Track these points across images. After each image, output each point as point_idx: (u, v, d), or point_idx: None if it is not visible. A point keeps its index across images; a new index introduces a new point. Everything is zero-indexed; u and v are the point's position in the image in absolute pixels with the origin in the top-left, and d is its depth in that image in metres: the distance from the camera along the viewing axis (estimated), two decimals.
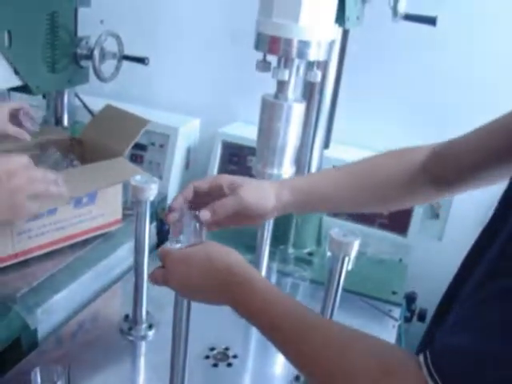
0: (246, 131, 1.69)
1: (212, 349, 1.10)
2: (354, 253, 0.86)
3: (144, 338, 1.12)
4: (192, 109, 1.81)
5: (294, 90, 1.05)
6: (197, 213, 0.82)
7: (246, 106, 1.78)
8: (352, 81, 1.43)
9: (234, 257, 0.75)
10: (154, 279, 0.79)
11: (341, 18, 1.12)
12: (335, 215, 1.60)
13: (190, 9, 1.76)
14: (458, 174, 0.88)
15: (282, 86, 1.04)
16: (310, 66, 1.05)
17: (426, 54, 1.58)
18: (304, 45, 0.98)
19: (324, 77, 1.23)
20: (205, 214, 0.83)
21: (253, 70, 1.07)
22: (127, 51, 1.51)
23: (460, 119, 1.60)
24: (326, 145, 1.42)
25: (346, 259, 0.86)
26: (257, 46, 1.02)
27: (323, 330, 0.67)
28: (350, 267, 0.88)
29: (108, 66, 1.48)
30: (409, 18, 1.27)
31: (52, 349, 1.07)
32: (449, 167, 0.88)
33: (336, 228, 0.89)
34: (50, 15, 1.29)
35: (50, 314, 1.12)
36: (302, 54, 0.99)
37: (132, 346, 1.11)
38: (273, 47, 0.99)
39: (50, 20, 1.29)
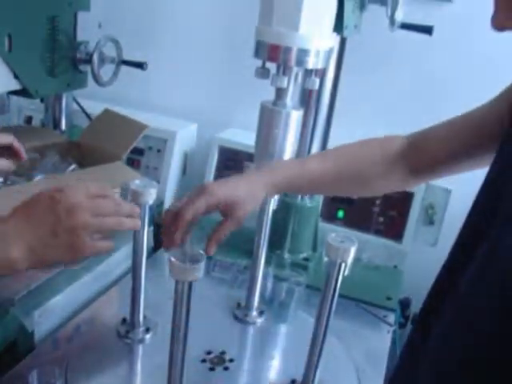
0: (242, 136, 1.70)
1: (209, 352, 1.11)
2: (350, 259, 0.87)
3: (141, 341, 1.12)
4: (189, 113, 1.82)
5: (292, 97, 1.06)
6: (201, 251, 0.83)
7: (243, 111, 1.79)
8: (349, 88, 1.44)
9: None
10: None
11: (339, 26, 1.13)
12: (331, 221, 1.61)
13: (189, 14, 1.78)
14: (432, 164, 0.92)
15: (280, 93, 1.05)
16: (308, 73, 1.06)
17: (422, 60, 1.60)
18: (303, 53, 0.99)
19: (321, 84, 1.24)
20: (211, 250, 0.88)
21: (250, 76, 1.08)
22: (125, 55, 1.52)
23: None
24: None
25: (343, 265, 0.87)
26: (256, 54, 1.03)
27: None
28: (346, 272, 0.89)
29: (106, 71, 1.49)
30: (405, 26, 1.29)
31: (49, 352, 1.07)
32: (423, 156, 0.93)
33: (333, 233, 0.90)
34: (50, 19, 1.30)
35: (48, 316, 1.12)
36: (301, 62, 1.00)
37: (129, 349, 1.11)
38: (272, 55, 1.00)
39: (50, 24, 1.30)
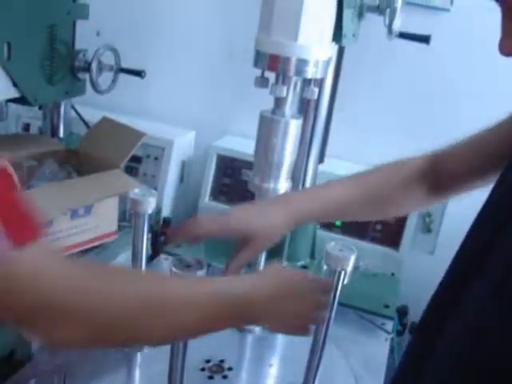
0: (240, 145, 1.70)
1: (207, 361, 1.11)
2: (350, 267, 0.87)
3: (140, 349, 1.12)
4: (187, 121, 1.82)
5: (291, 106, 1.06)
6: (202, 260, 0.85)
7: (241, 119, 1.79)
8: (347, 96, 1.45)
9: None
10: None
11: (338, 35, 1.14)
12: (329, 229, 1.61)
13: (187, 22, 1.78)
14: (451, 182, 0.92)
15: (279, 102, 1.05)
16: (307, 82, 1.07)
17: (419, 69, 1.61)
18: (302, 63, 1.00)
19: (320, 93, 1.24)
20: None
21: (248, 84, 1.09)
22: (122, 63, 1.52)
23: (455, 134, 1.63)
24: (321, 159, 1.44)
25: (343, 274, 0.88)
26: (256, 64, 1.04)
27: None
28: (345, 281, 0.89)
29: (104, 78, 1.49)
30: (403, 36, 1.29)
31: (46, 361, 1.07)
32: (442, 175, 0.92)
33: (332, 242, 0.90)
34: (50, 28, 1.30)
35: None
36: (300, 72, 1.00)
37: (127, 357, 1.11)
38: (272, 65, 1.01)
39: (49, 33, 1.30)
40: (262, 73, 1.05)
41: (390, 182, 0.96)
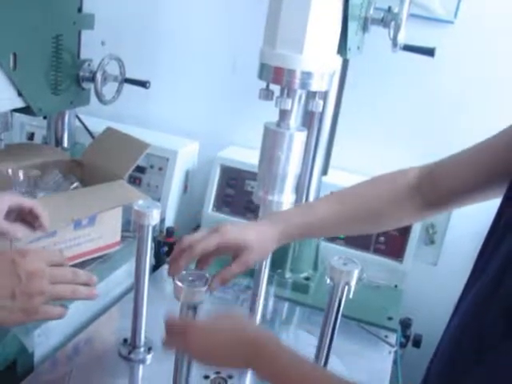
0: (244, 155, 1.70)
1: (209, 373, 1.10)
2: (354, 282, 0.87)
3: (143, 361, 1.12)
4: (191, 132, 1.82)
5: (295, 119, 1.07)
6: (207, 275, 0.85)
7: (245, 129, 1.79)
8: (351, 109, 1.45)
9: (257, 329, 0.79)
10: (170, 346, 0.81)
11: (342, 48, 1.14)
12: (332, 240, 1.61)
13: (191, 33, 1.79)
14: (446, 196, 0.91)
15: (284, 114, 1.05)
16: (312, 95, 1.07)
17: (423, 81, 1.61)
18: (307, 76, 1.00)
19: (324, 105, 1.25)
20: (214, 287, 0.87)
21: (252, 96, 1.09)
22: (127, 73, 1.52)
23: (460, 146, 1.63)
24: (325, 171, 1.44)
25: (347, 288, 0.88)
26: (260, 76, 1.04)
27: None
28: (350, 295, 0.89)
29: (109, 88, 1.49)
30: (408, 48, 1.30)
31: (48, 372, 1.07)
32: (437, 189, 0.92)
33: (336, 256, 0.90)
34: (55, 38, 1.30)
35: (48, 336, 1.11)
36: (304, 85, 1.01)
37: (130, 369, 1.11)
38: (276, 78, 1.01)
39: (55, 43, 1.31)
40: (267, 85, 1.05)
41: (381, 195, 0.96)
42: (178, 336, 0.78)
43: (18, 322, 0.80)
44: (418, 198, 0.94)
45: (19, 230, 1.01)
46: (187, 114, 1.86)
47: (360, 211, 0.97)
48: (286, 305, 1.42)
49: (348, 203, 0.98)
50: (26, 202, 1.03)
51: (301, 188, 1.37)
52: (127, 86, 1.53)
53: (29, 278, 0.76)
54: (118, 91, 1.51)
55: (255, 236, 0.91)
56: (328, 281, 0.91)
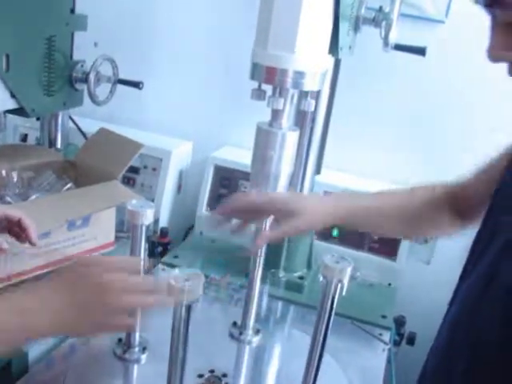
0: (238, 155, 1.71)
1: (204, 372, 1.10)
2: (347, 279, 0.87)
3: (137, 361, 1.12)
4: (185, 132, 1.82)
5: (287, 118, 1.07)
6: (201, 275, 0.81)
7: (239, 129, 1.80)
8: (343, 108, 1.46)
9: None
10: None
11: (334, 47, 1.15)
12: (326, 239, 1.61)
13: (184, 34, 1.79)
14: (472, 212, 0.94)
15: (276, 114, 1.05)
16: (304, 94, 1.07)
17: (414, 80, 1.62)
18: (299, 75, 1.00)
19: (316, 105, 1.25)
20: (261, 243, 0.94)
21: (245, 96, 1.09)
22: (120, 74, 1.52)
23: (448, 145, 1.64)
24: (318, 170, 1.44)
25: (339, 285, 0.88)
26: (252, 76, 1.04)
27: None
28: (343, 293, 0.89)
29: (102, 89, 1.49)
30: (399, 48, 1.30)
31: (43, 373, 1.07)
32: (463, 205, 0.95)
33: (329, 254, 0.91)
34: (48, 39, 1.30)
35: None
36: (297, 84, 1.01)
37: (125, 369, 1.11)
38: (269, 77, 1.01)
39: (48, 44, 1.31)
40: (259, 85, 1.05)
41: (423, 198, 0.99)
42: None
43: (89, 334, 0.82)
44: (452, 210, 0.97)
45: (3, 242, 1.00)
46: (180, 114, 1.86)
47: (402, 209, 0.99)
48: (280, 304, 1.43)
49: (391, 201, 1.01)
50: (14, 212, 1.01)
51: (294, 187, 1.37)
52: (120, 87, 1.53)
53: (104, 292, 0.74)
54: (111, 92, 1.52)
55: (307, 204, 0.93)
56: (321, 278, 0.91)
